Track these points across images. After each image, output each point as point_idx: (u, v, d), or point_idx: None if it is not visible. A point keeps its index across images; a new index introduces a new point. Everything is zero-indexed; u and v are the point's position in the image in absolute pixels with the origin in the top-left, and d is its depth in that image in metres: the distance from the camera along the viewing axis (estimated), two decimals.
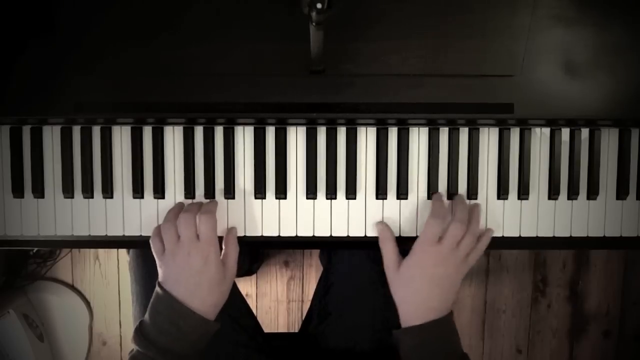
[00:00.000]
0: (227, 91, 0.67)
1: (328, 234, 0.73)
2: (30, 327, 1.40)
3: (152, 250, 0.68)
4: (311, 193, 0.72)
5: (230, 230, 0.72)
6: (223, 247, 0.70)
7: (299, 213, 0.73)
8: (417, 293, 0.66)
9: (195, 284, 0.65)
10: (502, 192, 0.73)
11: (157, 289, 0.66)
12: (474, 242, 0.68)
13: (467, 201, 0.72)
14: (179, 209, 0.70)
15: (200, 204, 0.71)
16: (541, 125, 0.73)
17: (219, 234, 0.69)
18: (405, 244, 0.70)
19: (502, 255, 1.55)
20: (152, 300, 0.66)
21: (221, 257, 0.68)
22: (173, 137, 0.73)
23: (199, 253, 0.65)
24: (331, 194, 0.72)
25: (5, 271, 1.44)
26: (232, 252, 0.70)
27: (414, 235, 0.72)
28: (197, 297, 0.65)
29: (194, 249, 0.65)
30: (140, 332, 0.64)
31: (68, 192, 0.72)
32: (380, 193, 0.72)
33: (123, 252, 1.52)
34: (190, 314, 0.64)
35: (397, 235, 0.73)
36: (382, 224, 0.72)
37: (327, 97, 0.67)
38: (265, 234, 0.73)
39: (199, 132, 0.72)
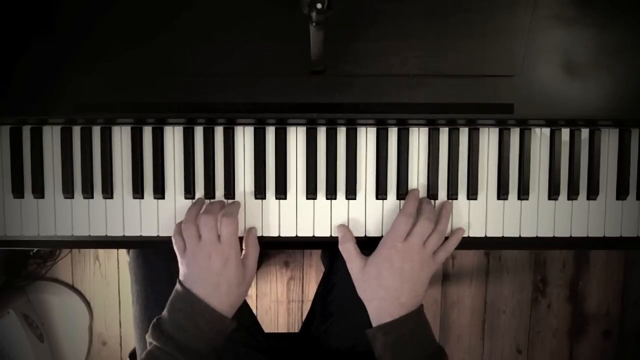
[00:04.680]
0: (227, 91, 0.67)
1: (328, 234, 0.73)
2: (30, 327, 1.40)
3: (174, 247, 0.68)
4: (311, 193, 0.72)
5: (250, 230, 0.72)
6: (243, 247, 0.70)
7: (299, 213, 0.73)
8: (386, 289, 0.67)
9: (214, 285, 0.65)
10: (502, 192, 0.73)
11: (177, 286, 0.66)
12: (440, 240, 0.69)
13: (435, 200, 0.73)
14: (199, 206, 0.70)
15: (222, 202, 0.71)
16: (541, 126, 0.73)
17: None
18: None
19: (502, 255, 1.55)
20: (171, 296, 0.67)
21: (241, 257, 0.68)
22: (173, 137, 0.73)
23: (220, 255, 0.65)
24: (331, 194, 0.72)
25: (5, 271, 1.44)
26: (252, 252, 0.70)
27: None
28: (215, 296, 0.65)
29: (215, 251, 0.65)
30: (158, 328, 0.65)
31: (68, 192, 0.72)
32: (380, 193, 0.72)
33: (123, 252, 1.52)
34: (209, 311, 0.65)
35: None
36: (342, 227, 0.72)
37: (327, 97, 0.67)
38: (265, 234, 0.73)
39: (199, 132, 0.72)
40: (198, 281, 0.66)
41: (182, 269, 0.68)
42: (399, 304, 0.66)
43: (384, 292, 0.67)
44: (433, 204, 0.73)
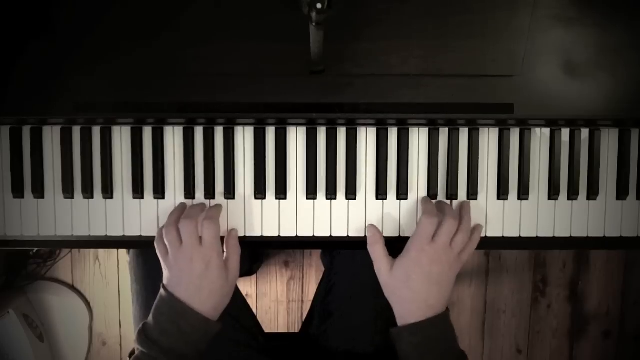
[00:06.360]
0: (227, 91, 0.67)
1: (328, 234, 0.73)
2: (30, 327, 1.40)
3: (157, 253, 0.68)
4: (311, 193, 0.72)
5: (231, 232, 0.72)
6: (224, 249, 0.70)
7: (299, 213, 0.73)
8: (414, 292, 0.66)
9: (197, 288, 0.65)
10: (502, 192, 0.73)
11: (161, 290, 0.66)
12: (466, 238, 0.69)
13: (453, 200, 0.73)
14: (181, 210, 0.70)
15: (203, 206, 0.71)
16: (541, 125, 0.73)
17: (220, 235, 0.69)
18: (402, 245, 0.70)
19: (502, 255, 1.55)
20: (155, 301, 0.66)
21: (223, 259, 0.68)
22: (173, 137, 0.73)
23: (201, 258, 0.65)
24: (331, 194, 0.72)
25: (5, 271, 1.44)
26: (234, 254, 0.70)
27: None
28: (198, 299, 0.65)
29: (196, 254, 0.65)
30: (144, 333, 0.65)
31: (68, 192, 0.72)
32: (380, 193, 0.72)
33: (123, 252, 1.52)
34: (192, 314, 0.64)
35: (397, 235, 0.73)
36: (372, 227, 0.72)
37: (327, 97, 0.67)
38: (265, 234, 0.73)
39: (199, 132, 0.72)
40: (180, 285, 0.66)
41: (165, 273, 0.68)
42: (427, 306, 0.66)
43: (412, 295, 0.66)
44: (450, 203, 0.73)
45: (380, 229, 0.73)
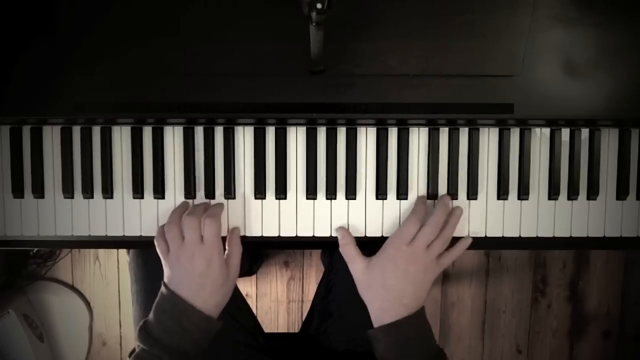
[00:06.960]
0: (227, 91, 0.67)
1: (328, 234, 0.73)
2: (30, 327, 1.40)
3: (157, 250, 0.68)
4: (311, 193, 0.72)
5: (233, 230, 0.72)
6: (226, 247, 0.70)
7: (299, 213, 0.73)
8: (389, 290, 0.67)
9: (198, 286, 0.65)
10: (502, 192, 0.73)
11: (162, 288, 0.66)
12: (444, 245, 0.69)
13: (454, 200, 0.73)
14: (182, 209, 0.70)
15: (205, 205, 0.71)
16: (541, 125, 0.73)
17: (221, 234, 0.69)
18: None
19: (502, 255, 1.55)
20: (157, 299, 0.67)
21: (224, 257, 0.68)
22: (173, 137, 0.73)
23: (203, 256, 0.65)
24: (331, 194, 0.72)
25: (5, 271, 1.44)
26: (236, 252, 0.70)
27: None
28: (200, 297, 0.65)
29: (198, 252, 0.65)
30: (145, 330, 0.65)
31: (68, 192, 0.72)
32: (380, 193, 0.72)
33: (123, 252, 1.52)
34: (194, 312, 0.65)
35: None
36: (341, 229, 0.72)
37: (327, 97, 0.67)
38: (265, 234, 0.73)
39: (199, 132, 0.72)
40: (182, 282, 0.66)
41: (166, 271, 0.68)
42: (402, 305, 0.66)
43: (387, 293, 0.67)
44: (450, 204, 0.72)
45: (380, 229, 0.73)
